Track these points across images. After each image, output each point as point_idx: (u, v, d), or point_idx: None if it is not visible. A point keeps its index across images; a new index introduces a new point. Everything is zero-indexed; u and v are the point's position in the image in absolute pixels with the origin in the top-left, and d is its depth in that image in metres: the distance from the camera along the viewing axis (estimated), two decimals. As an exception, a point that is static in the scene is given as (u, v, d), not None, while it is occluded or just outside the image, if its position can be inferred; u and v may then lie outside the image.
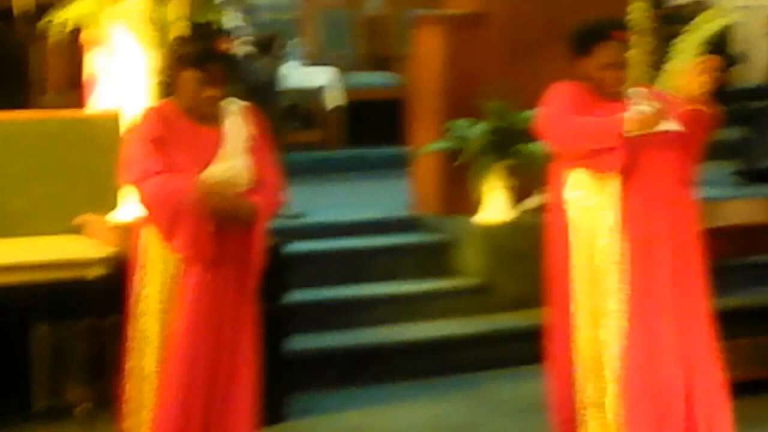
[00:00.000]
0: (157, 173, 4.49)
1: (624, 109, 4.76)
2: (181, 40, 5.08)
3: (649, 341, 4.78)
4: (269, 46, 8.58)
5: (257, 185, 4.63)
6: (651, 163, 4.79)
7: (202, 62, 4.54)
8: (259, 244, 4.64)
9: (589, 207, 4.83)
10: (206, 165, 4.55)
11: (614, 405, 4.78)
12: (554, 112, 4.83)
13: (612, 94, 4.82)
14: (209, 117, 4.62)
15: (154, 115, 4.61)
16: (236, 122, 4.66)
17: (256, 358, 4.74)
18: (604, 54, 4.78)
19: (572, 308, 4.86)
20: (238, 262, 4.63)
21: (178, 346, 4.57)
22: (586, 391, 4.84)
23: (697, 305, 4.84)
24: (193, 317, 4.57)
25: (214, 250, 4.52)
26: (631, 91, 4.93)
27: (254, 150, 4.66)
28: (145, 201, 4.58)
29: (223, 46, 4.49)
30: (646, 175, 4.79)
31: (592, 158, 4.74)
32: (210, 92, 4.54)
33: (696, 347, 4.83)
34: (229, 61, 4.63)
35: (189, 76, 4.55)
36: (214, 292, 4.60)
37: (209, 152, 4.57)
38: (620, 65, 4.81)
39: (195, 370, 4.58)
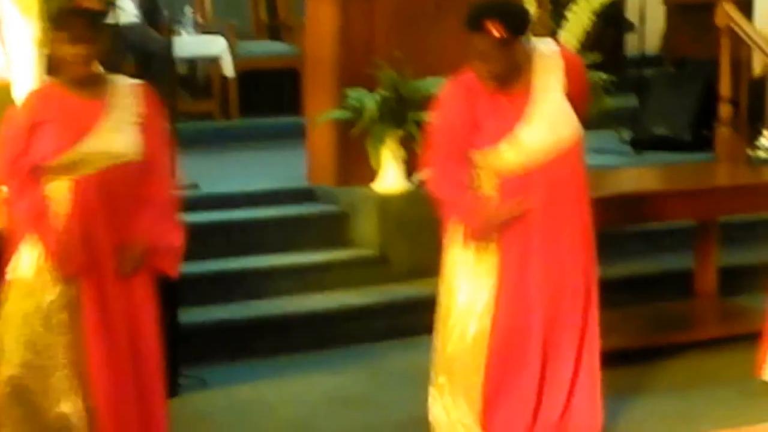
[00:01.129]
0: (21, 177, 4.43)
1: None
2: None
3: (519, 311, 4.83)
4: (154, 14, 8.46)
5: (147, 169, 4.55)
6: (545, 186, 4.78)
7: (61, 21, 4.45)
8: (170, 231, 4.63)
9: None
10: (81, 137, 4.44)
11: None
12: (434, 168, 4.84)
13: (497, 84, 4.73)
14: (93, 90, 4.50)
15: (32, 100, 4.54)
16: (124, 97, 4.55)
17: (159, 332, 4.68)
18: (476, 42, 4.67)
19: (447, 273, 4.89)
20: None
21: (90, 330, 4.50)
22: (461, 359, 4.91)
23: (576, 274, 4.86)
24: (92, 296, 4.51)
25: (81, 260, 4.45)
26: (538, 41, 4.90)
27: (145, 129, 4.56)
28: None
29: (85, 3, 4.36)
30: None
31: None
32: (74, 50, 4.40)
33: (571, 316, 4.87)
34: (90, 17, 4.49)
35: (56, 39, 4.46)
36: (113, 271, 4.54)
37: (86, 124, 4.47)
38: (486, 57, 4.66)
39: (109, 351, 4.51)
